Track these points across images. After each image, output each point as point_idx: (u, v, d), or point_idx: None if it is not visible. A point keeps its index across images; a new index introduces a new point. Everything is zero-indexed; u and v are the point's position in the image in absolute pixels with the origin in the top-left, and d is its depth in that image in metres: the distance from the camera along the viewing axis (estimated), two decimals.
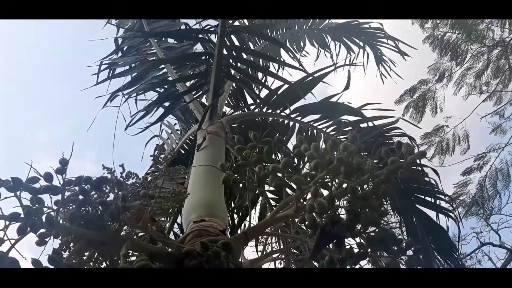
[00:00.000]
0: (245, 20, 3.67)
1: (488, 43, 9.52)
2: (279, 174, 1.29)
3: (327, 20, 4.73)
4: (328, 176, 1.21)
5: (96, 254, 1.19)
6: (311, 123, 3.55)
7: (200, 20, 3.31)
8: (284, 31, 4.76)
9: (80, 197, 1.13)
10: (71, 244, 1.14)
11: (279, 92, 3.36)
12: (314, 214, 1.15)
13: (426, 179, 3.31)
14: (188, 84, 3.59)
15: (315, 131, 3.57)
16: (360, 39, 4.58)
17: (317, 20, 4.73)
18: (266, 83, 3.97)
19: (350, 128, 3.27)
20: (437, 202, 3.39)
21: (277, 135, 1.42)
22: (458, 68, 9.89)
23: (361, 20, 4.51)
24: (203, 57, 3.36)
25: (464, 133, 9.86)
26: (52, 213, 1.07)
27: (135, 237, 1.20)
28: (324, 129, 3.54)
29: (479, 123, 9.97)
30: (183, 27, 4.22)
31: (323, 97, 3.54)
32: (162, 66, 3.76)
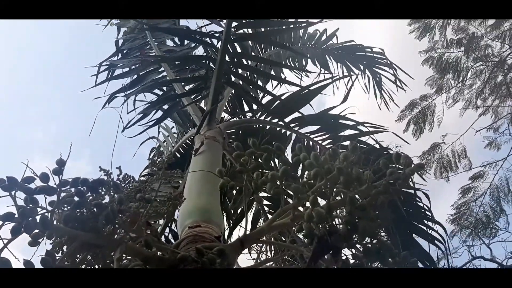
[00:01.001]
0: (249, 29, 3.68)
1: (487, 59, 9.59)
2: (278, 182, 1.28)
3: (331, 41, 4.87)
4: (327, 186, 1.20)
5: (89, 256, 1.17)
6: (308, 134, 3.55)
7: (203, 25, 3.31)
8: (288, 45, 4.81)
9: (76, 198, 1.12)
10: (65, 246, 1.12)
11: (282, 98, 3.36)
12: (311, 223, 1.14)
13: (420, 203, 3.26)
14: (187, 87, 3.59)
15: (311, 142, 3.56)
16: (361, 63, 4.68)
17: (322, 39, 4.85)
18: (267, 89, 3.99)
19: (348, 142, 3.25)
20: (429, 230, 3.27)
21: (274, 142, 1.41)
22: (458, 83, 9.95)
23: (365, 44, 4.65)
24: (204, 61, 3.35)
25: (462, 149, 9.89)
26: (46, 214, 1.06)
27: (129, 240, 1.19)
28: (320, 141, 3.54)
29: (475, 138, 10.03)
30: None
31: (321, 110, 3.57)
32: (162, 69, 3.76)
